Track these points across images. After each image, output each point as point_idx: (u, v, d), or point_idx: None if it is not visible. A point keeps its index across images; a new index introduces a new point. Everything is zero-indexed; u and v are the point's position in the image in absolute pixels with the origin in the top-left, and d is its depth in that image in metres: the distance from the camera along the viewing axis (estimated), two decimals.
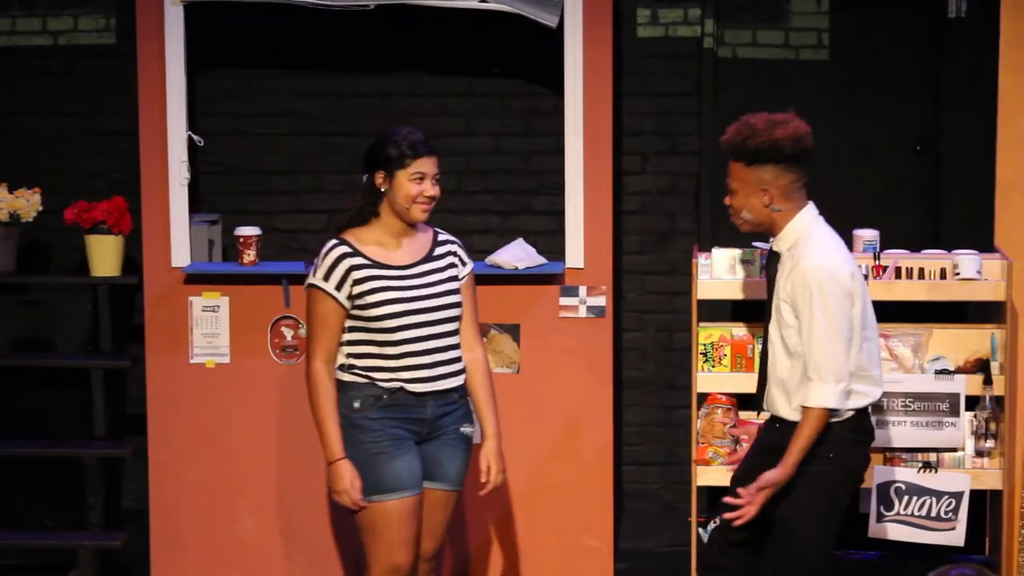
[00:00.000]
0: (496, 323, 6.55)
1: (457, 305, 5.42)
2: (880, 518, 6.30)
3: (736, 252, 6.35)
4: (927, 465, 6.31)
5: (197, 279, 6.59)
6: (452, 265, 5.47)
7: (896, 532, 6.32)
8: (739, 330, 6.37)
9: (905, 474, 6.30)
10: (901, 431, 6.29)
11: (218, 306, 6.59)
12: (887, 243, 6.53)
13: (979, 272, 6.32)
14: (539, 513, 6.61)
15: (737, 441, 6.30)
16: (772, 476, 5.16)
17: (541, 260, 6.59)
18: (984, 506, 6.59)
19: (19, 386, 7.07)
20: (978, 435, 6.31)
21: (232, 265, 6.64)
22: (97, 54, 7.30)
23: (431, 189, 5.36)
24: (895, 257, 6.41)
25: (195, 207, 6.80)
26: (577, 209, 6.50)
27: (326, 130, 7.21)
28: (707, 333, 6.38)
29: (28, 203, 6.79)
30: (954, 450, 6.33)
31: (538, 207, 7.24)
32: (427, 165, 5.35)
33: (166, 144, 6.53)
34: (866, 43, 7.23)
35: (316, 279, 5.33)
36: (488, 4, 6.40)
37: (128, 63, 6.71)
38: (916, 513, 6.29)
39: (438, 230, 5.54)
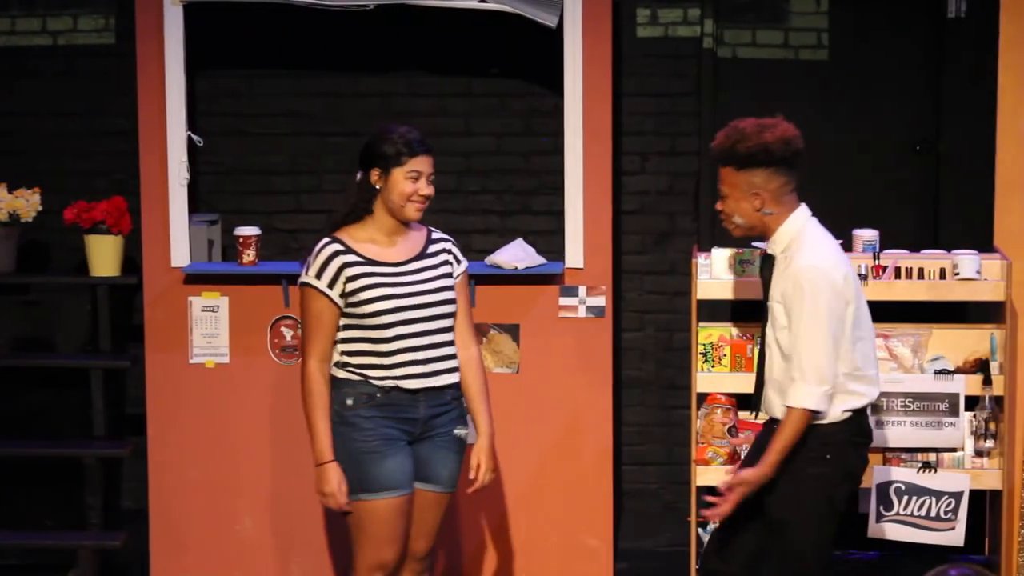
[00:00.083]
0: (496, 323, 6.55)
1: (451, 302, 5.42)
2: (880, 518, 6.30)
3: (730, 251, 6.36)
4: (926, 465, 6.31)
5: (197, 279, 6.59)
6: (446, 263, 5.47)
7: (896, 532, 6.32)
8: (739, 330, 6.37)
9: (905, 474, 6.30)
10: (900, 431, 6.29)
11: (218, 306, 6.59)
12: (887, 243, 6.53)
13: (979, 272, 6.32)
14: (539, 513, 6.60)
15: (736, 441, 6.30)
16: (748, 475, 5.17)
17: (541, 260, 6.59)
18: (984, 506, 6.59)
19: (19, 386, 7.08)
20: (977, 435, 6.32)
21: (232, 265, 6.64)
22: (97, 54, 7.30)
23: (426, 188, 5.37)
24: (895, 257, 6.42)
25: (195, 207, 6.80)
26: (577, 209, 6.50)
27: (325, 130, 7.21)
28: (707, 333, 6.38)
29: (28, 203, 6.79)
30: (953, 450, 6.33)
31: (538, 207, 7.24)
32: (423, 164, 5.35)
33: (166, 144, 6.53)
34: (866, 43, 7.23)
35: (309, 277, 5.33)
36: (488, 4, 6.40)
37: (128, 63, 6.71)
38: (916, 513, 6.29)
39: (431, 228, 5.54)
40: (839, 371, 5.17)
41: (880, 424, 6.27)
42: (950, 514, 6.27)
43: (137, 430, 6.90)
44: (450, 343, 5.42)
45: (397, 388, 5.32)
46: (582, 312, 6.54)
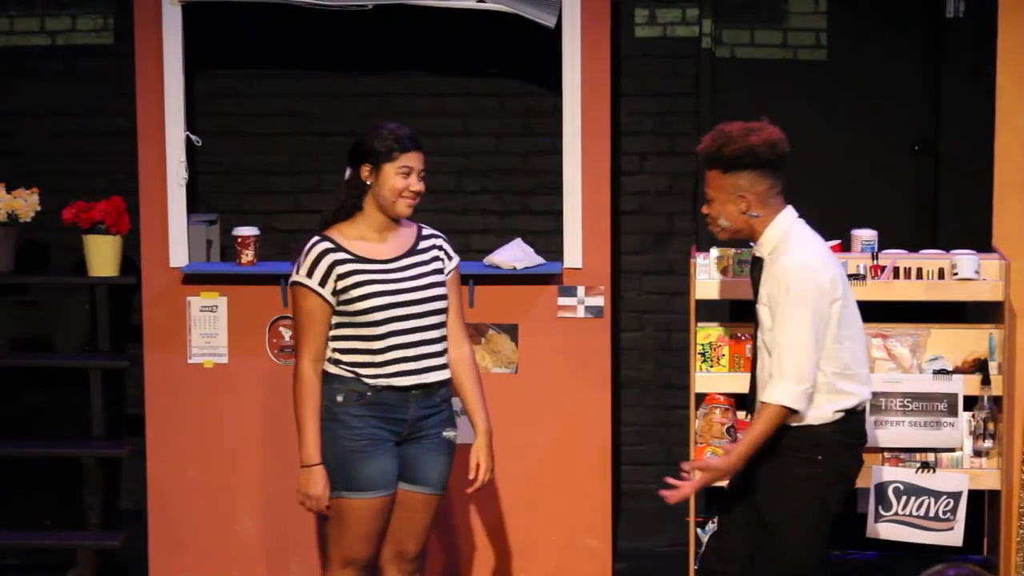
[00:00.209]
0: (494, 323, 6.55)
1: (442, 298, 5.41)
2: (878, 518, 6.30)
3: (730, 252, 6.36)
4: (925, 465, 6.31)
5: (195, 279, 6.60)
6: (437, 259, 5.46)
7: (894, 532, 6.32)
8: (737, 330, 6.37)
9: (903, 474, 6.30)
10: (899, 431, 6.29)
11: (216, 306, 6.59)
12: (885, 243, 6.53)
13: (977, 272, 6.32)
14: (538, 513, 6.61)
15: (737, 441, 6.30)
16: (715, 462, 5.20)
17: (539, 260, 6.59)
18: (982, 506, 6.59)
19: (17, 386, 7.07)
20: (976, 435, 6.32)
21: (230, 265, 6.64)
22: (95, 54, 7.30)
23: (417, 184, 5.36)
24: (893, 257, 6.42)
25: (193, 207, 6.80)
26: (575, 209, 6.50)
27: (324, 130, 7.21)
28: (705, 333, 6.38)
29: (26, 203, 6.79)
30: (952, 450, 6.33)
31: (536, 207, 7.24)
32: (414, 160, 5.35)
33: (164, 144, 6.54)
34: (864, 43, 7.23)
35: (300, 276, 5.32)
36: (486, 4, 6.40)
37: (126, 63, 6.71)
38: (914, 513, 6.29)
39: (422, 225, 5.53)
40: (828, 370, 5.16)
41: (879, 424, 6.27)
42: (949, 514, 6.28)
43: (136, 430, 6.90)
44: (441, 340, 5.42)
45: (388, 387, 5.31)
46: (581, 312, 6.54)
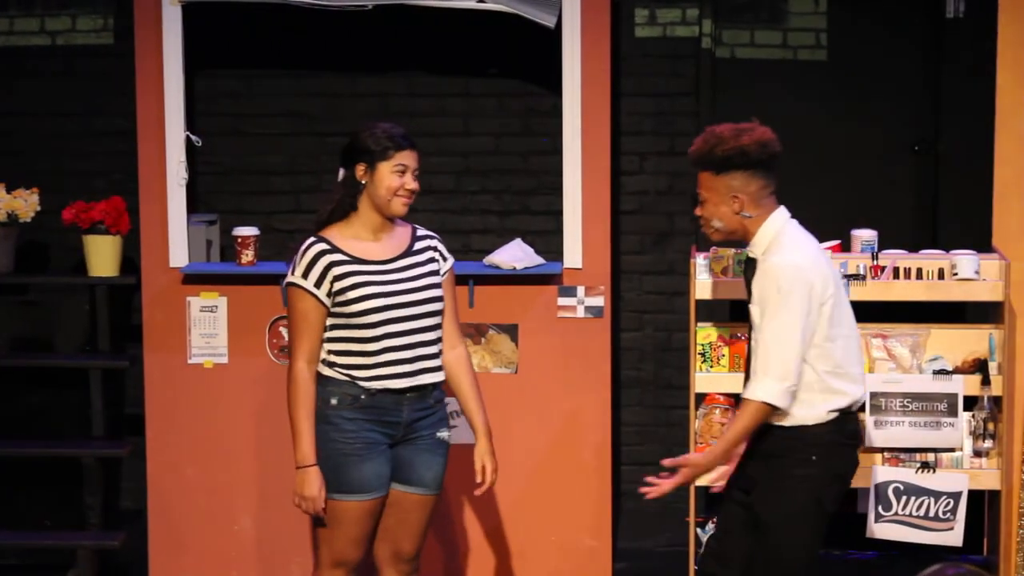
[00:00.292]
0: (494, 323, 6.55)
1: (438, 299, 5.41)
2: (878, 518, 6.30)
3: (730, 251, 6.36)
4: (925, 465, 6.31)
5: (195, 279, 6.60)
6: (432, 260, 5.45)
7: (894, 532, 6.32)
8: (737, 330, 6.37)
9: (903, 474, 6.30)
10: (899, 431, 6.29)
11: (216, 306, 6.59)
12: (885, 243, 6.53)
13: (977, 272, 6.32)
14: (537, 513, 6.61)
15: None
16: (695, 458, 5.21)
17: (539, 260, 6.59)
18: (982, 506, 6.59)
19: (17, 386, 7.07)
20: (976, 435, 6.32)
21: (230, 265, 6.65)
22: (95, 54, 7.30)
23: (412, 182, 5.36)
24: (893, 257, 6.41)
25: (193, 207, 6.80)
26: (575, 209, 6.50)
27: (324, 130, 7.21)
28: (705, 333, 6.39)
29: (26, 203, 6.79)
30: (952, 450, 6.33)
31: (536, 207, 7.24)
32: (409, 158, 5.35)
33: (164, 144, 6.54)
34: (864, 43, 7.23)
35: (295, 277, 5.31)
36: (486, 4, 6.40)
37: (126, 63, 6.71)
38: (914, 513, 6.29)
39: (416, 226, 5.53)
40: (820, 369, 5.15)
41: (879, 424, 6.27)
42: (949, 514, 6.28)
43: (136, 430, 6.90)
44: (436, 342, 5.41)
45: (382, 390, 5.31)
46: (581, 312, 6.54)
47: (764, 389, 5.11)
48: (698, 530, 6.39)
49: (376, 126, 5.37)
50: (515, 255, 6.56)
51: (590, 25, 6.43)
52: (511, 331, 6.56)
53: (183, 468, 6.65)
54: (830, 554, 6.71)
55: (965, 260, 6.32)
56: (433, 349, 5.40)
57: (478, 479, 5.46)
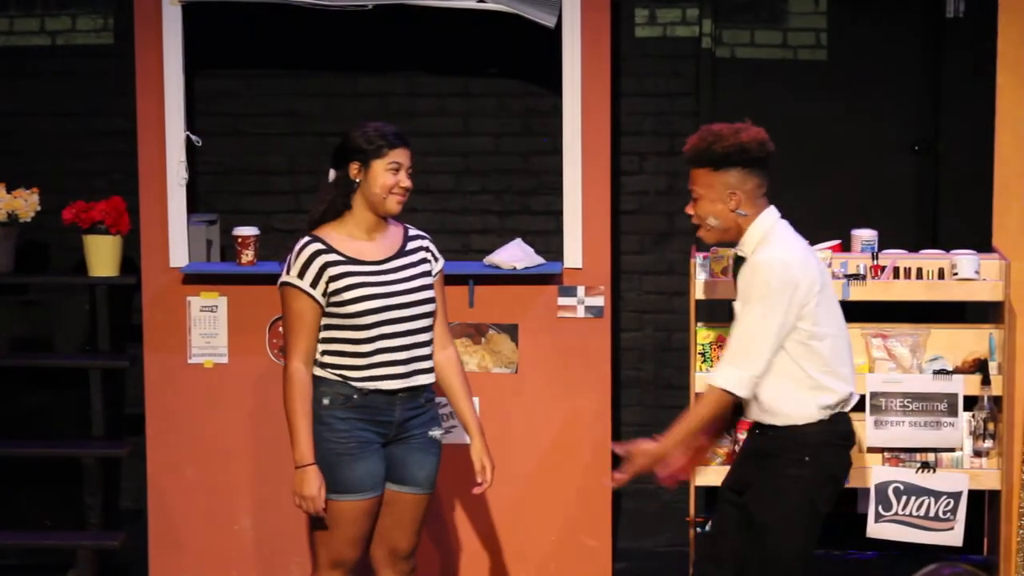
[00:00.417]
0: (494, 323, 6.55)
1: (431, 301, 5.41)
2: (878, 518, 6.30)
3: (730, 251, 6.35)
4: (925, 465, 6.31)
5: (195, 279, 6.60)
6: (424, 261, 5.45)
7: (894, 532, 6.32)
8: None
9: (903, 474, 6.30)
10: (899, 431, 6.29)
11: (216, 306, 6.59)
12: (885, 243, 6.53)
13: (977, 272, 6.33)
14: (537, 513, 6.61)
15: (736, 442, 6.30)
16: (648, 447, 5.19)
17: (539, 260, 6.59)
18: (982, 506, 6.59)
19: (18, 386, 7.07)
20: (976, 435, 6.32)
21: (230, 265, 6.65)
22: (95, 54, 7.30)
23: (406, 180, 5.36)
24: (893, 257, 6.42)
25: (193, 207, 6.80)
26: (575, 209, 6.50)
27: (324, 130, 7.21)
28: (705, 333, 6.39)
29: (26, 203, 6.79)
30: (952, 450, 6.33)
31: (536, 207, 7.24)
32: (402, 156, 5.35)
33: (164, 144, 6.54)
34: (864, 43, 7.23)
35: (291, 277, 5.31)
36: (486, 4, 6.40)
37: (126, 63, 6.71)
38: (914, 513, 6.29)
39: (407, 226, 5.52)
40: (807, 367, 5.14)
41: (879, 424, 6.27)
42: (949, 514, 6.28)
43: (136, 430, 6.91)
44: (428, 343, 5.41)
45: (375, 391, 5.31)
46: (581, 312, 6.54)
47: (725, 376, 5.12)
48: (698, 530, 6.39)
49: (367, 125, 5.38)
50: (515, 255, 6.56)
51: (590, 25, 6.43)
52: (511, 331, 6.56)
53: (183, 468, 6.65)
54: (830, 554, 6.72)
55: (965, 260, 6.32)
56: (426, 350, 5.40)
57: (479, 479, 5.47)
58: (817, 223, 6.80)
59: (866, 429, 6.26)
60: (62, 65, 7.32)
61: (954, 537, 6.29)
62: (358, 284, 5.29)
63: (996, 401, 6.31)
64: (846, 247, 6.52)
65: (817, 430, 5.17)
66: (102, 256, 6.73)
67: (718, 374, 5.14)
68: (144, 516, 6.75)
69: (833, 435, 5.20)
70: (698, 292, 6.36)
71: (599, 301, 6.54)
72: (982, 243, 6.59)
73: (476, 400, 6.41)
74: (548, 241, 7.04)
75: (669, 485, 5.43)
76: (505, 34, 6.84)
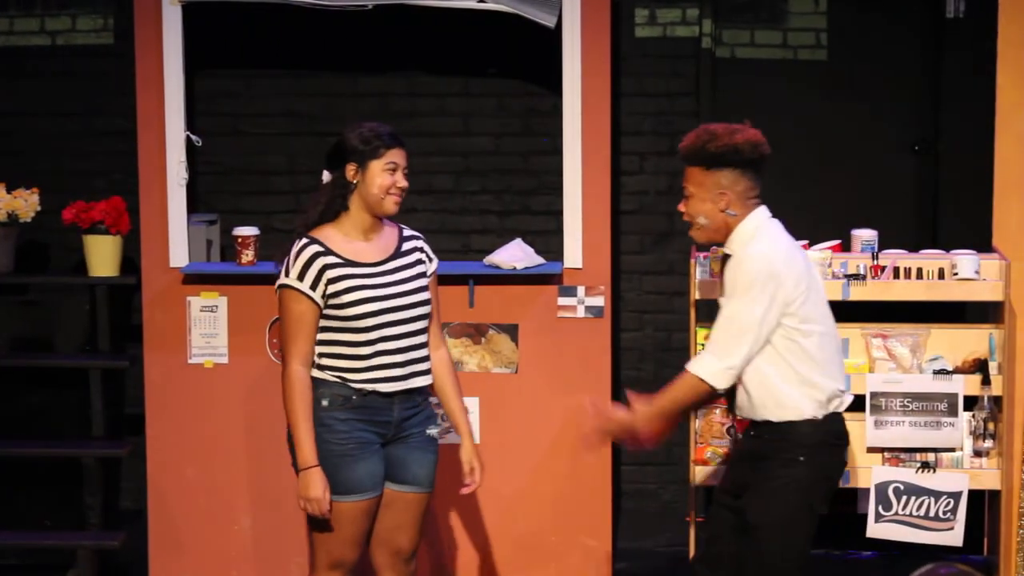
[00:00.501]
0: (494, 323, 6.55)
1: (427, 303, 5.40)
2: (878, 518, 6.30)
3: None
4: (925, 465, 6.31)
5: (195, 279, 6.60)
6: (420, 262, 5.45)
7: (894, 532, 6.32)
8: None
9: (903, 474, 6.30)
10: (899, 431, 6.29)
11: (216, 306, 6.59)
12: (885, 243, 6.53)
13: (977, 272, 6.33)
14: (537, 512, 6.60)
15: (736, 441, 6.30)
16: (621, 416, 5.21)
17: (539, 260, 6.59)
18: (982, 506, 6.59)
19: (17, 386, 7.07)
20: (976, 435, 6.32)
21: (230, 265, 6.65)
22: (95, 54, 7.30)
23: (403, 180, 5.35)
24: (893, 257, 6.42)
25: (193, 207, 6.80)
26: (575, 209, 6.50)
27: (324, 130, 7.20)
28: (705, 333, 6.37)
29: (26, 203, 6.79)
30: (952, 450, 6.33)
31: (536, 207, 7.24)
32: (398, 156, 5.34)
33: (164, 144, 6.54)
34: (864, 43, 7.23)
35: (290, 279, 5.30)
36: (486, 4, 6.40)
37: (126, 63, 6.71)
38: (914, 513, 6.29)
39: (402, 226, 5.52)
40: (795, 364, 5.13)
41: (879, 424, 6.27)
42: (949, 514, 6.28)
43: (136, 430, 6.91)
44: (425, 344, 5.41)
45: (374, 392, 5.31)
46: (581, 312, 6.54)
47: (702, 365, 5.13)
48: (698, 530, 6.39)
49: (362, 125, 5.37)
50: (515, 255, 6.56)
51: (590, 25, 6.43)
52: (511, 331, 6.56)
53: (183, 468, 6.65)
54: (830, 554, 6.72)
55: (965, 260, 6.32)
56: (423, 352, 5.40)
57: (467, 480, 5.47)
58: (817, 223, 6.81)
59: (866, 429, 6.26)
60: (62, 65, 7.32)
61: (954, 537, 6.29)
62: (357, 286, 5.28)
63: (996, 401, 6.31)
64: (846, 247, 6.52)
65: (811, 430, 5.17)
66: (102, 256, 6.73)
67: (695, 364, 5.15)
68: (144, 516, 6.75)
69: (827, 434, 5.20)
70: (698, 292, 6.36)
71: (599, 301, 6.54)
72: (982, 243, 6.59)
73: (476, 400, 6.45)
74: (548, 241, 7.04)
75: (631, 449, 5.46)
76: (505, 34, 6.84)
